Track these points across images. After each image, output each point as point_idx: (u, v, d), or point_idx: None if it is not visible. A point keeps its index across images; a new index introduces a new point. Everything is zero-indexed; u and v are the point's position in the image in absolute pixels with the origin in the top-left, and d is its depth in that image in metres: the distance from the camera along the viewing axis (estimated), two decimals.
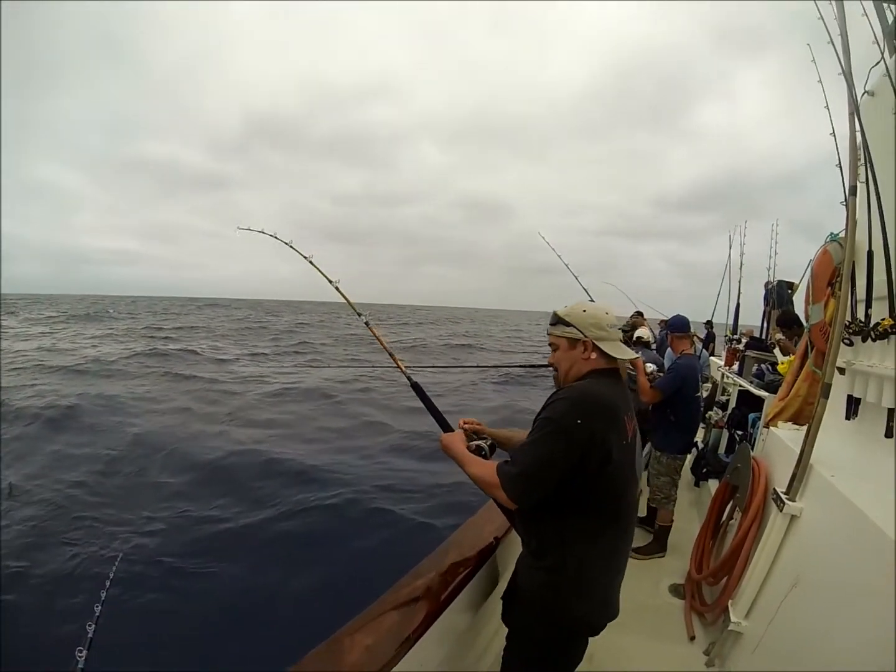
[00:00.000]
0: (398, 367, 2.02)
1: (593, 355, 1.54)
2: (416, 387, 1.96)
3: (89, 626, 1.46)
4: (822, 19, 2.17)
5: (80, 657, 1.35)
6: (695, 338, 5.83)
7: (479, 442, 1.72)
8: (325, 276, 2.21)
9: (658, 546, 3.71)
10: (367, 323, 2.15)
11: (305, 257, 2.26)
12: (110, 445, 7.14)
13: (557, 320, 1.60)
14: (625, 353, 1.57)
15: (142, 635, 3.37)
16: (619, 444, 1.41)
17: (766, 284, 7.26)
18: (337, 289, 2.18)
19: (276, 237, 2.32)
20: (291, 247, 2.29)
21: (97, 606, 1.54)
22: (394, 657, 1.38)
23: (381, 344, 2.07)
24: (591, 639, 1.58)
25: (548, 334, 1.64)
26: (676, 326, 3.92)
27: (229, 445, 7.42)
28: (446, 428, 1.82)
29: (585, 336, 1.53)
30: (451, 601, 1.72)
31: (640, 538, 3.83)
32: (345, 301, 2.19)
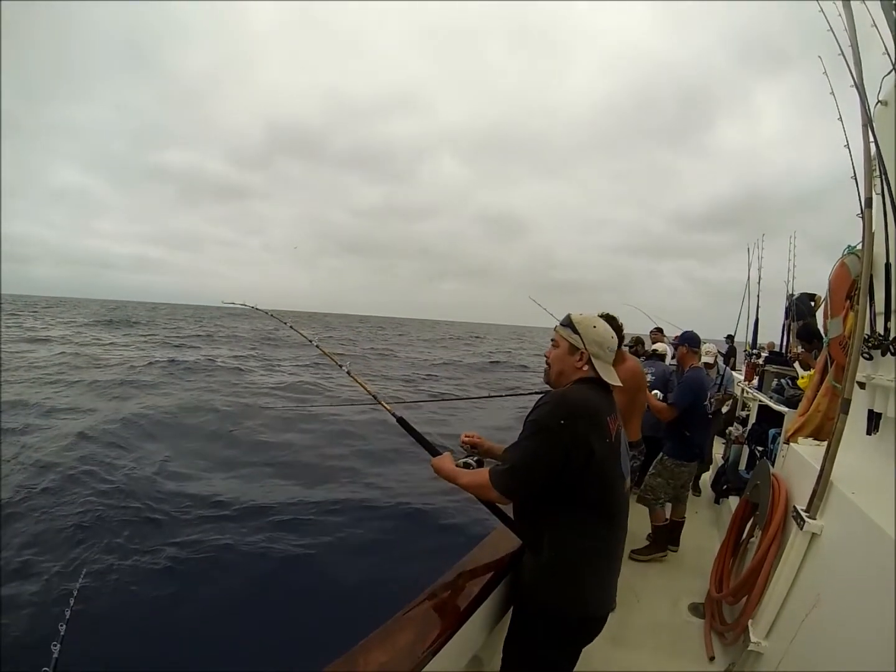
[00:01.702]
0: (383, 406, 2.18)
1: (585, 367, 1.66)
2: (401, 421, 2.08)
3: (54, 645, 1.45)
4: (832, 31, 2.17)
5: None
6: (717, 354, 5.75)
7: (467, 459, 1.88)
8: (304, 336, 2.64)
9: (657, 547, 3.69)
10: (348, 372, 2.34)
11: (285, 323, 2.57)
12: (125, 452, 7.20)
13: (568, 323, 1.71)
14: (612, 377, 1.68)
15: (136, 637, 3.37)
16: (601, 441, 1.51)
17: (789, 297, 7.11)
18: (317, 346, 2.54)
19: (256, 308, 2.61)
20: (273, 315, 2.62)
21: (62, 626, 1.53)
22: None
23: (365, 389, 2.26)
24: (608, 656, 1.61)
25: (555, 330, 1.75)
26: (690, 341, 3.97)
27: (244, 452, 7.55)
28: (434, 453, 1.93)
29: (585, 349, 1.65)
30: (467, 619, 1.70)
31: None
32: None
